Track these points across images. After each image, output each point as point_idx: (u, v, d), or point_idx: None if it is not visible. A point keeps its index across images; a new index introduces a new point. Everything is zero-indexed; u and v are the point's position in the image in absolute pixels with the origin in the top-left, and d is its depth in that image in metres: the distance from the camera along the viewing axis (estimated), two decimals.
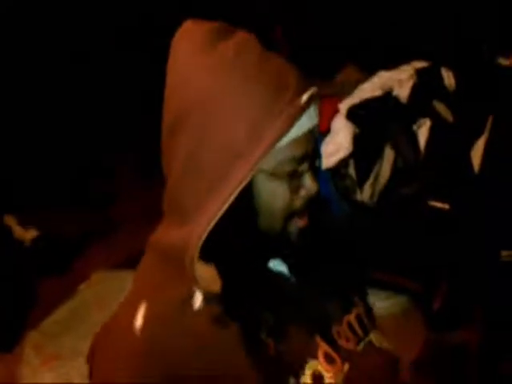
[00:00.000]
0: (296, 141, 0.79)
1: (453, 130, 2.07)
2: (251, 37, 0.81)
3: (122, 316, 0.83)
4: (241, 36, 0.80)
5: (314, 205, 0.88)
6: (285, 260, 0.91)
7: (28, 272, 3.00)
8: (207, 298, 0.80)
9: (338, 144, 2.19)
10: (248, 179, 0.76)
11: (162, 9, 3.83)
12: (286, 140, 0.77)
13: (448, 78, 2.15)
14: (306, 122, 0.80)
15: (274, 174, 0.79)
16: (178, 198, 0.81)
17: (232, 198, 0.75)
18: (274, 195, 0.80)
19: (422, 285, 2.10)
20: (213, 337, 0.79)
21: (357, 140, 2.17)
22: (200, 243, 0.76)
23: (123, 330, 0.80)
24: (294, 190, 0.82)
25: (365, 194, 2.13)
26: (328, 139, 2.23)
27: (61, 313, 2.75)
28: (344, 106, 2.24)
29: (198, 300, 0.79)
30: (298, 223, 0.84)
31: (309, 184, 0.83)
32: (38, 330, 2.66)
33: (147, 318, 0.79)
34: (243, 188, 0.76)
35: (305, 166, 0.82)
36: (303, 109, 0.77)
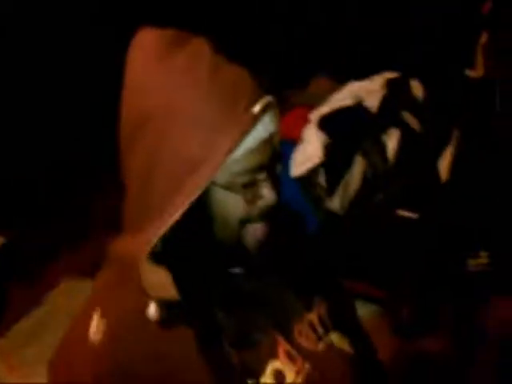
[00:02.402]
0: (251, 151, 0.78)
1: (421, 140, 2.10)
2: (205, 44, 0.80)
3: (78, 326, 0.84)
4: (194, 44, 0.79)
5: (280, 216, 0.88)
6: (244, 268, 0.90)
7: None
8: (163, 306, 0.79)
9: (308, 153, 2.21)
10: (200, 192, 0.75)
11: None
12: (240, 151, 0.77)
13: (416, 89, 2.19)
14: (261, 131, 0.79)
15: (228, 187, 0.78)
16: (134, 209, 0.81)
17: (181, 210, 0.75)
18: (229, 207, 0.80)
19: (390, 293, 2.12)
20: (169, 344, 0.79)
21: (327, 149, 2.19)
22: (146, 251, 0.76)
23: (78, 340, 0.81)
24: (250, 200, 0.81)
25: (335, 203, 2.15)
26: (299, 148, 2.25)
27: (28, 321, 2.71)
28: (315, 115, 2.26)
29: (151, 311, 0.79)
30: (257, 232, 0.83)
31: (266, 194, 0.81)
32: (3, 339, 2.62)
33: (101, 328, 0.79)
34: (197, 198, 0.75)
35: (262, 176, 0.81)
36: (256, 119, 0.76)
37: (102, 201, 3.68)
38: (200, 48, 0.79)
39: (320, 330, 0.94)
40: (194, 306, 0.81)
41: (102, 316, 0.80)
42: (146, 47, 0.79)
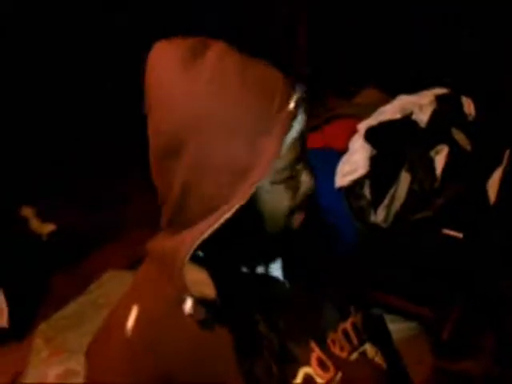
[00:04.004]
0: (291, 146, 0.79)
1: (470, 159, 2.08)
2: (225, 47, 0.79)
3: (116, 317, 0.85)
4: (215, 48, 0.78)
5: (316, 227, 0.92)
6: (286, 259, 0.91)
7: (43, 265, 3.04)
8: (199, 303, 0.80)
9: (354, 164, 2.21)
10: (249, 196, 0.76)
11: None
12: (283, 147, 0.77)
13: (468, 106, 2.16)
14: (298, 125, 0.79)
15: (273, 183, 0.80)
16: (176, 217, 0.81)
17: (229, 214, 0.75)
18: (277, 202, 0.81)
19: (432, 311, 2.11)
20: (203, 340, 0.80)
21: (374, 161, 2.19)
22: (190, 251, 0.76)
23: (115, 330, 0.82)
24: (294, 190, 0.82)
25: (379, 216, 2.14)
26: (345, 158, 2.25)
27: (71, 308, 2.79)
28: (363, 126, 2.26)
29: (187, 305, 0.80)
30: (300, 217, 0.85)
31: (307, 181, 0.83)
32: (48, 323, 2.70)
33: (139, 319, 0.80)
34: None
35: (301, 166, 0.83)
36: (292, 115, 0.76)
37: (143, 194, 3.75)
38: (223, 51, 0.78)
39: (354, 339, 0.94)
40: (233, 309, 0.82)
41: (140, 310, 0.81)
42: (167, 60, 0.78)
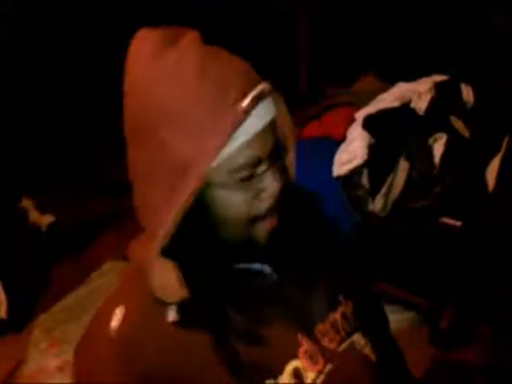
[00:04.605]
0: (248, 144, 0.75)
1: (469, 147, 2.06)
2: (195, 38, 0.77)
3: (101, 316, 0.85)
4: (185, 40, 0.76)
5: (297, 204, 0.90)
6: (273, 251, 0.87)
7: (42, 257, 3.04)
8: (180, 306, 0.80)
9: (352, 153, 2.19)
10: (192, 193, 0.73)
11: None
12: (234, 147, 0.74)
13: (467, 93, 2.14)
14: (255, 123, 0.75)
15: (226, 185, 0.76)
16: (140, 210, 0.81)
17: (176, 214, 0.74)
18: (229, 205, 0.77)
19: (430, 301, 2.10)
20: (184, 340, 0.80)
21: (372, 150, 2.17)
22: (153, 262, 0.76)
23: (101, 329, 0.82)
24: (254, 195, 0.78)
25: (377, 205, 2.13)
26: (343, 147, 2.23)
27: (70, 299, 2.79)
28: (361, 115, 2.23)
29: (171, 314, 0.80)
30: (266, 225, 0.81)
31: (270, 184, 0.78)
32: (47, 314, 2.71)
33: (122, 320, 0.80)
34: (198, 200, 0.75)
35: (263, 167, 0.78)
36: (247, 112, 0.73)
37: None
38: (189, 44, 0.76)
39: (343, 330, 0.93)
40: (204, 303, 0.81)
41: (124, 310, 0.82)
42: (141, 49, 0.78)
